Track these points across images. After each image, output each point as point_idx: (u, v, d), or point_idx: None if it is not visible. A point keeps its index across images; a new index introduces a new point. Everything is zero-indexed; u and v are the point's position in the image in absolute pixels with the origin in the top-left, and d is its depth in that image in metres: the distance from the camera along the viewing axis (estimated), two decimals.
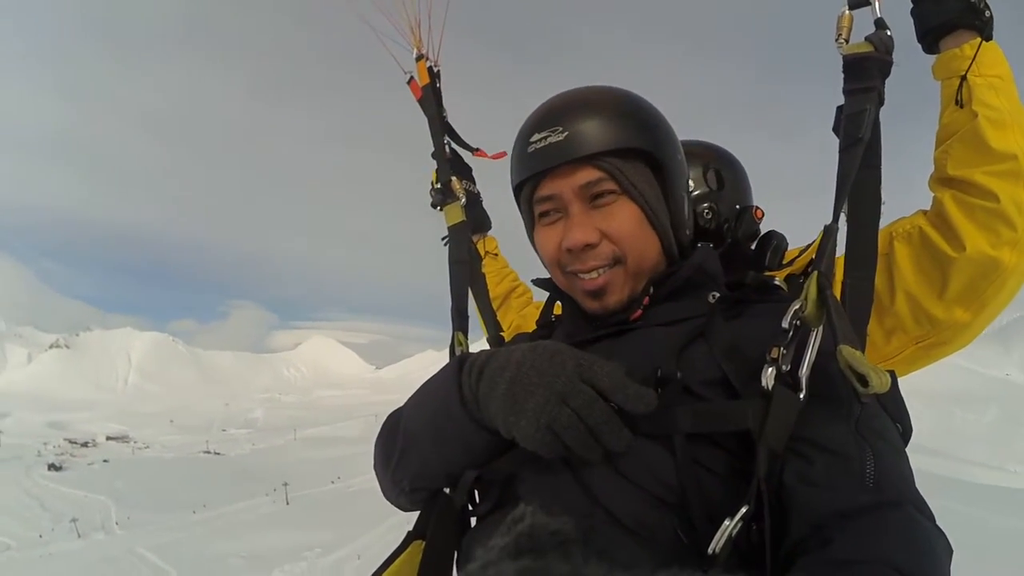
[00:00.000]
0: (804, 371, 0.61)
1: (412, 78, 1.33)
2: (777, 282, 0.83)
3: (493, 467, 0.70)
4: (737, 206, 1.09)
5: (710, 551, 0.57)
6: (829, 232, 0.73)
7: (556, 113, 0.78)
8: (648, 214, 0.78)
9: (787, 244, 0.99)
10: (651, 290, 0.78)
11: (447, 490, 0.76)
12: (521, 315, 1.31)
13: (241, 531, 51.08)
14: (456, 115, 1.32)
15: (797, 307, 0.64)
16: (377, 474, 0.82)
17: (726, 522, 0.57)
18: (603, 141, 0.75)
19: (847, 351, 0.59)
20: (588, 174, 0.76)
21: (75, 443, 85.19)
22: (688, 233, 0.83)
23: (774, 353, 0.62)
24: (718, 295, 0.77)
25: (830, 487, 0.58)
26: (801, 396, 0.60)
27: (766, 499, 0.58)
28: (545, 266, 0.87)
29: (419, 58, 1.32)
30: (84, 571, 40.37)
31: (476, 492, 0.74)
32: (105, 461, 73.34)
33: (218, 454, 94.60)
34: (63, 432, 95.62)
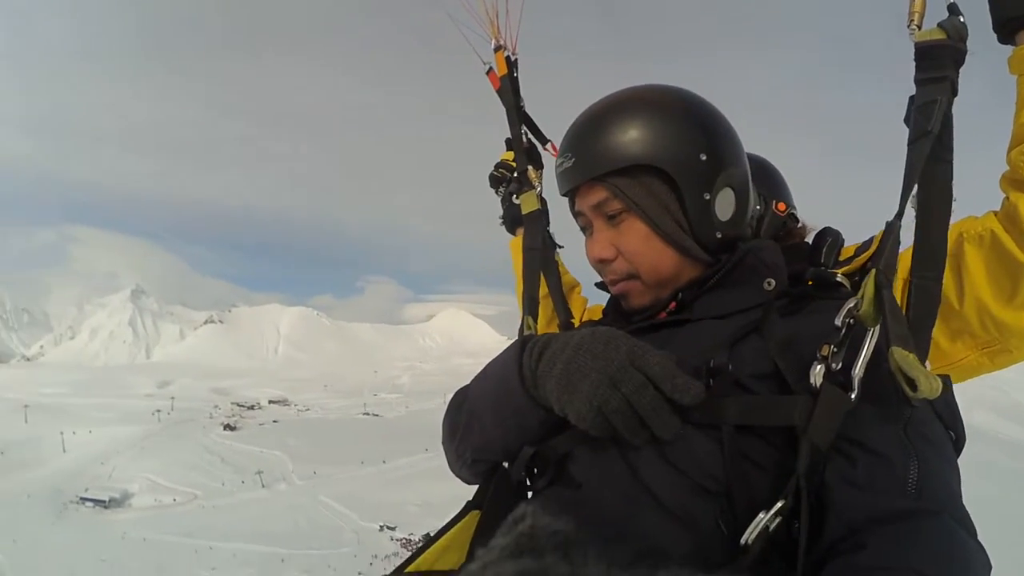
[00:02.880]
0: (857, 371, 0.75)
1: (491, 68, 1.68)
2: (839, 279, 0.99)
3: (549, 445, 0.93)
4: (757, 206, 1.30)
5: (742, 542, 0.73)
6: (891, 229, 0.87)
7: (568, 139, 1.07)
8: (655, 229, 1.00)
9: (843, 241, 1.16)
10: (679, 295, 1.03)
11: (505, 464, 1.01)
12: (588, 310, 1.67)
13: (410, 482, 63.97)
14: (533, 105, 1.66)
15: (851, 305, 0.79)
16: (444, 447, 1.10)
17: (761, 515, 0.73)
18: (605, 163, 1.00)
19: (898, 353, 0.73)
20: (597, 195, 1.02)
21: (242, 406, 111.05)
22: (718, 235, 1.02)
23: (824, 351, 0.78)
24: (774, 282, 0.96)
25: (871, 489, 0.72)
26: (852, 396, 0.75)
27: (804, 496, 0.72)
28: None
29: (497, 48, 1.67)
30: (275, 515, 55.72)
31: (533, 468, 0.98)
32: (275, 422, 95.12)
33: (376, 415, 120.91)
34: (227, 397, 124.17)
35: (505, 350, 0.98)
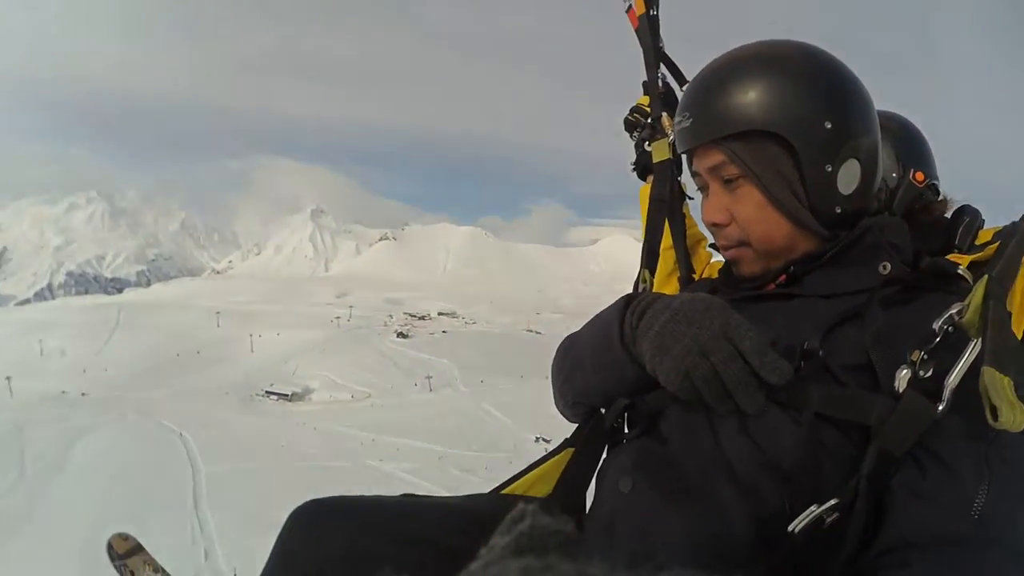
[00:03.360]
0: (950, 382, 0.75)
1: (631, 6, 1.66)
2: (960, 270, 0.94)
3: (644, 399, 1.01)
4: (894, 174, 1.31)
5: (789, 529, 0.78)
6: (1015, 230, 0.84)
7: (688, 97, 1.08)
8: (770, 197, 1.01)
9: (982, 222, 1.15)
10: (791, 269, 1.03)
11: (603, 410, 1.12)
12: (710, 265, 1.65)
13: None
14: (675, 44, 1.63)
15: (955, 311, 0.78)
16: (552, 385, 1.21)
17: (813, 507, 0.77)
18: (724, 126, 1.00)
19: (988, 374, 0.71)
20: (714, 157, 1.04)
21: (414, 316, 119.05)
22: (839, 209, 1.02)
23: (915, 355, 0.78)
24: (889, 266, 0.96)
25: (932, 505, 0.74)
26: (939, 408, 0.75)
27: (862, 497, 0.75)
28: None
29: None
30: (440, 417, 59.08)
31: (627, 419, 1.08)
32: (444, 332, 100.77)
33: (539, 333, 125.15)
34: (400, 307, 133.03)
35: (611, 304, 1.03)
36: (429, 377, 71.07)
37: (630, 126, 1.75)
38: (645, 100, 1.70)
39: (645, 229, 1.53)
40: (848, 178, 1.01)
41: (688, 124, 1.05)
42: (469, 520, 1.21)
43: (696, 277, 1.50)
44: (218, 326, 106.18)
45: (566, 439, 1.25)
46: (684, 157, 1.15)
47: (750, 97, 0.99)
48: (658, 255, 1.52)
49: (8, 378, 68.68)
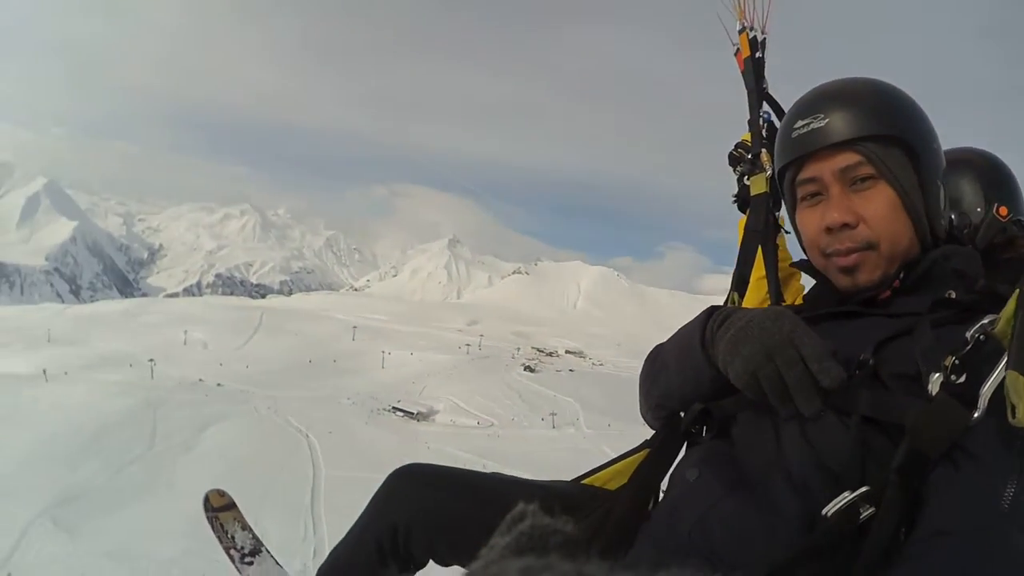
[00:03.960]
0: (985, 390, 0.82)
1: (738, 49, 1.79)
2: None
3: (718, 404, 1.13)
4: (978, 208, 1.38)
5: (823, 512, 0.87)
6: None
7: (818, 101, 1.14)
8: (904, 200, 1.09)
9: None
10: (901, 274, 1.10)
11: (681, 415, 1.21)
12: (800, 297, 1.71)
13: None
14: (779, 85, 1.74)
15: (986, 321, 0.87)
16: (639, 390, 1.32)
17: (847, 493, 0.86)
18: (862, 127, 1.08)
19: (1011, 377, 0.78)
20: (847, 158, 1.09)
21: (542, 351, 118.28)
22: (943, 223, 1.12)
23: (947, 361, 0.86)
24: (954, 294, 1.03)
25: (963, 495, 0.80)
26: (975, 415, 0.82)
27: (892, 488, 0.83)
28: (803, 248, 1.26)
29: (741, 30, 1.77)
30: (560, 454, 57.19)
31: (702, 423, 1.18)
32: (571, 371, 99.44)
33: None
34: (528, 341, 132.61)
35: (697, 316, 1.15)
36: (554, 414, 69.77)
37: (733, 161, 1.83)
38: (748, 136, 1.80)
39: (738, 257, 1.65)
40: (944, 200, 1.13)
41: (821, 124, 1.10)
42: (553, 499, 1.28)
43: (785, 305, 1.55)
44: (353, 339, 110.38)
45: (645, 440, 1.37)
46: (788, 169, 1.20)
47: (885, 105, 1.10)
48: (748, 281, 1.63)
49: (151, 361, 73.88)
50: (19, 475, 38.92)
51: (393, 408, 68.77)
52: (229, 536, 2.28)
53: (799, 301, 1.57)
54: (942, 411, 0.83)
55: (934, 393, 0.85)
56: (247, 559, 2.19)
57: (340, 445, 52.83)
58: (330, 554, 1.58)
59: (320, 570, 1.59)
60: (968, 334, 0.86)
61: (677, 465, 1.17)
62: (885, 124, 1.08)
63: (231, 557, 2.23)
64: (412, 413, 68.14)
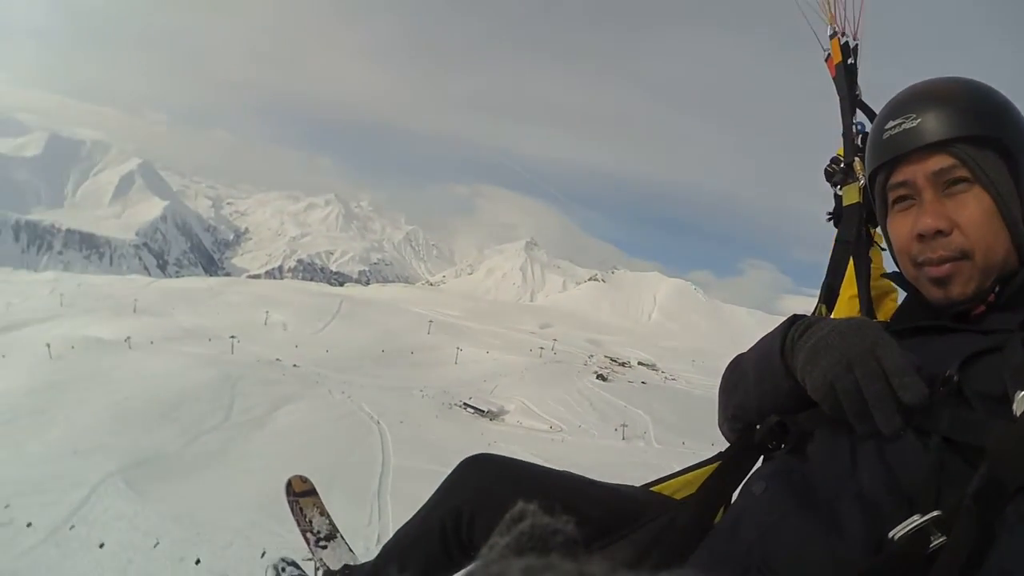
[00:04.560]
0: None
1: (828, 55, 1.75)
2: None
3: (795, 419, 1.05)
4: None
5: (890, 535, 0.79)
6: None
7: (910, 101, 1.07)
8: (1000, 205, 1.01)
9: None
10: (997, 288, 1.02)
11: (757, 427, 1.13)
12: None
13: None
14: (873, 93, 1.67)
15: None
16: (717, 400, 1.26)
17: (915, 516, 0.78)
18: (956, 128, 1.00)
19: None
20: (941, 160, 1.02)
21: (615, 361, 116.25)
22: None
23: None
24: None
25: None
26: None
27: (965, 515, 0.74)
28: (894, 258, 1.18)
29: (832, 35, 1.73)
30: (630, 467, 56.07)
31: (778, 438, 1.09)
32: (643, 383, 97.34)
33: None
34: (601, 349, 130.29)
35: (779, 324, 1.10)
36: (624, 426, 68.71)
37: (829, 176, 1.76)
38: (842, 151, 1.74)
39: (828, 268, 1.60)
40: None
41: (913, 125, 1.05)
42: (619, 502, 1.35)
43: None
44: (428, 333, 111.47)
45: (719, 452, 1.34)
46: (880, 171, 1.15)
47: (981, 105, 1.03)
48: (837, 293, 1.58)
49: (233, 337, 76.80)
50: (97, 434, 40.81)
51: (464, 404, 69.35)
52: (307, 520, 2.41)
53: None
54: None
55: (1019, 413, 0.78)
56: (322, 543, 2.29)
57: (410, 436, 53.32)
58: (396, 532, 1.60)
59: (385, 546, 1.65)
60: None
61: (751, 477, 1.13)
62: (980, 124, 1.02)
63: (307, 540, 2.33)
64: (483, 411, 68.52)
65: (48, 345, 59.37)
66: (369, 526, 34.95)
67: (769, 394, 1.08)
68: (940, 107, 1.03)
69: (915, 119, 1.04)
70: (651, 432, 75.18)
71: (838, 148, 1.73)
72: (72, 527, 29.09)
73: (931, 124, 1.03)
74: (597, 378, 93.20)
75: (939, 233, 1.03)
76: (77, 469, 34.84)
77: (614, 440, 68.96)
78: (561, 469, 1.49)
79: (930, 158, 1.04)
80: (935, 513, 0.77)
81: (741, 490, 1.13)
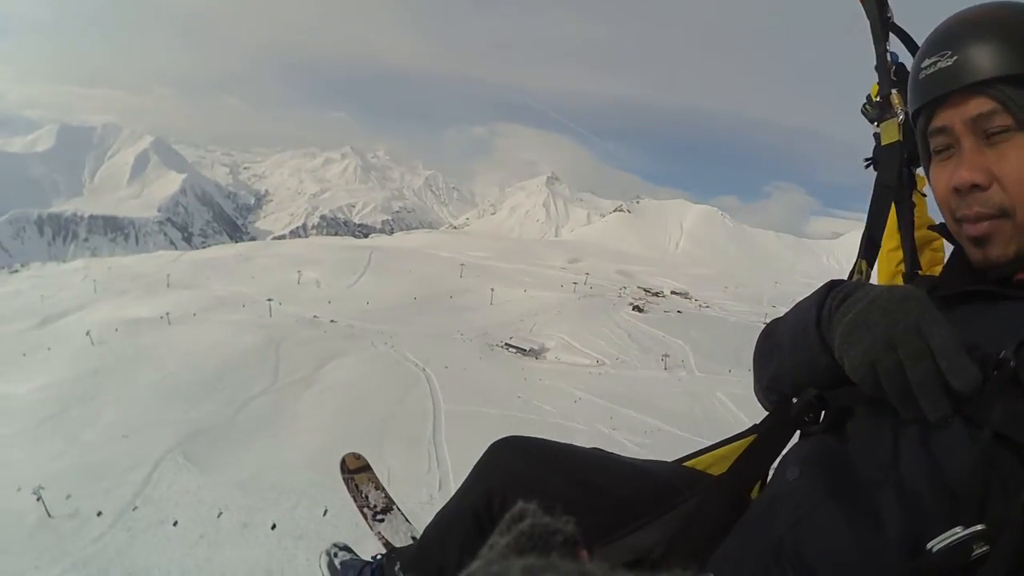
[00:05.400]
0: None
1: None
2: None
3: (834, 394, 0.95)
4: None
5: (928, 546, 0.72)
6: None
7: (948, 35, 0.93)
8: None
9: None
10: None
11: (794, 400, 1.03)
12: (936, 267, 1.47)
13: None
14: (909, 14, 1.46)
15: None
16: (753, 368, 1.19)
17: (958, 528, 0.70)
18: (996, 66, 0.87)
19: None
20: (980, 104, 0.90)
21: (648, 291, 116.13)
22: None
23: None
24: None
25: None
26: None
27: (1012, 529, 0.67)
28: (940, 209, 1.05)
29: None
30: (672, 397, 57.20)
31: (815, 411, 1.00)
32: (678, 312, 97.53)
33: None
34: (632, 280, 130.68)
35: (816, 290, 0.98)
36: (666, 356, 69.17)
37: (866, 114, 1.60)
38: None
39: (867, 216, 1.44)
40: None
41: (948, 64, 0.92)
42: (648, 481, 1.33)
43: (922, 274, 1.37)
44: (461, 277, 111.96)
45: (753, 424, 1.26)
46: (922, 113, 1.02)
47: None
48: (878, 246, 1.43)
49: (270, 300, 77.56)
50: (148, 413, 41.97)
51: (506, 344, 70.07)
52: (363, 495, 2.46)
53: (938, 271, 1.34)
54: None
55: None
56: (379, 516, 2.33)
57: (456, 380, 54.51)
58: (435, 516, 1.61)
59: (426, 529, 1.66)
60: None
61: (786, 457, 1.07)
62: None
63: (364, 515, 2.38)
64: (524, 350, 69.18)
65: (88, 332, 60.75)
66: (429, 472, 35.98)
67: (805, 367, 0.97)
68: (980, 41, 0.90)
69: (951, 57, 0.92)
70: (691, 361, 75.53)
71: (873, 85, 1.56)
72: (135, 508, 30.17)
73: (969, 62, 0.90)
74: (633, 310, 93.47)
75: (976, 187, 0.92)
76: (134, 450, 36.00)
77: (656, 371, 69.74)
78: (590, 447, 1.49)
79: (969, 101, 0.92)
80: (978, 527, 0.71)
81: (775, 472, 1.08)
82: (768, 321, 1.28)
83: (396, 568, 1.78)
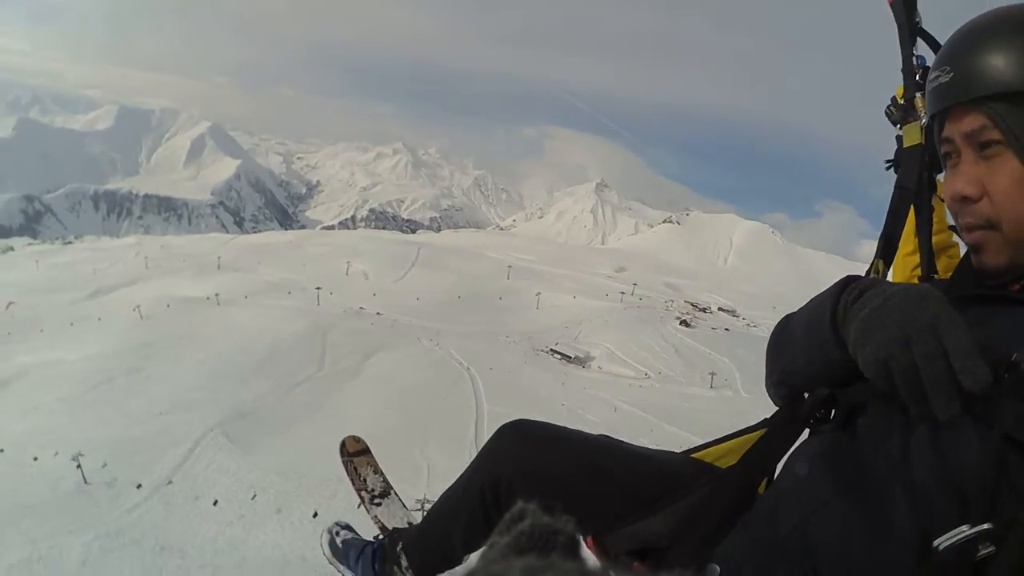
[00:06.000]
0: None
1: None
2: None
3: (846, 391, 0.96)
4: None
5: (934, 544, 0.73)
6: None
7: (950, 50, 0.99)
8: None
9: None
10: None
11: (806, 396, 1.04)
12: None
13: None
14: (935, 19, 1.47)
15: None
16: (765, 362, 1.18)
17: (965, 527, 0.72)
18: (987, 85, 0.91)
19: None
20: (973, 120, 0.94)
21: (696, 306, 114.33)
22: None
23: None
24: None
25: None
26: None
27: (1018, 529, 0.68)
28: (950, 213, 1.11)
29: None
30: (719, 416, 55.65)
31: (827, 409, 1.00)
32: (726, 329, 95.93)
33: None
34: (679, 294, 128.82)
35: (831, 285, 0.99)
36: (713, 374, 67.84)
37: (889, 116, 1.64)
38: (902, 89, 1.63)
39: (886, 218, 1.45)
40: None
41: (947, 80, 0.98)
42: (656, 470, 1.34)
43: (938, 277, 1.38)
44: (508, 278, 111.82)
45: (765, 419, 1.28)
46: (935, 123, 1.07)
47: (1022, 56, 0.90)
48: (896, 246, 1.44)
49: (319, 288, 78.30)
50: (194, 390, 42.39)
51: (551, 350, 69.61)
52: (361, 479, 2.49)
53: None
54: None
55: None
56: (376, 500, 2.37)
57: (500, 381, 54.11)
58: (439, 498, 1.62)
59: (429, 511, 1.67)
60: None
61: (792, 452, 1.08)
62: (1016, 79, 0.89)
63: (362, 498, 2.41)
64: (570, 357, 68.58)
65: (139, 307, 61.90)
66: None
67: (818, 363, 0.98)
68: (975, 59, 0.93)
69: (949, 72, 0.97)
70: (737, 381, 74.11)
71: (898, 87, 1.60)
72: (170, 482, 30.28)
73: (963, 79, 0.94)
74: (680, 324, 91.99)
75: (967, 199, 0.97)
76: (176, 425, 36.33)
77: (701, 388, 68.14)
78: (598, 434, 1.48)
79: (964, 117, 0.96)
80: (985, 526, 0.72)
81: (783, 468, 1.08)
82: None
83: (398, 548, 1.77)
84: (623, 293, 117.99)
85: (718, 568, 0.92)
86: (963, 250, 1.20)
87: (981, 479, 0.75)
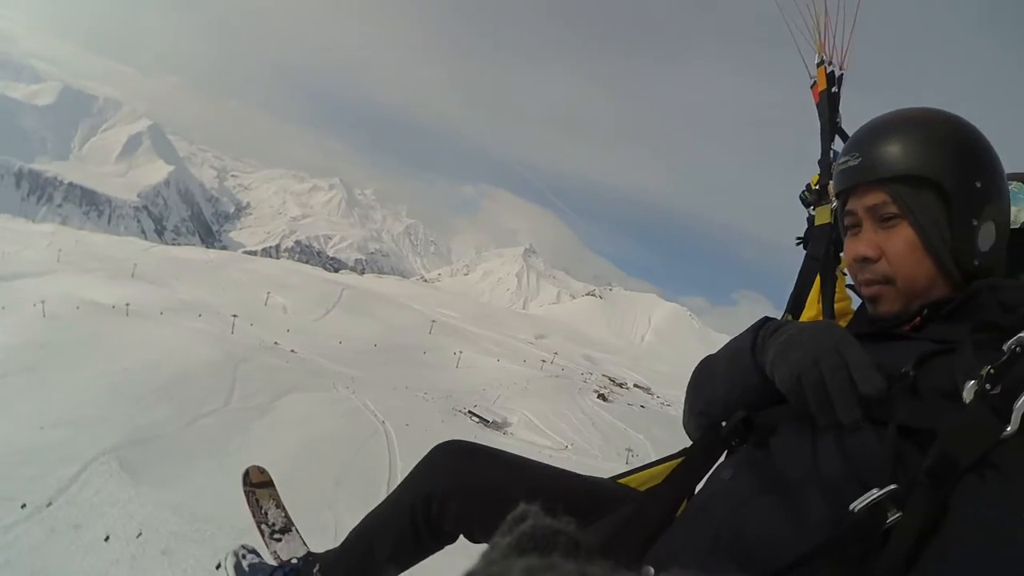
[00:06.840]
0: (1020, 404, 0.80)
1: (815, 82, 1.82)
2: None
3: (761, 415, 1.11)
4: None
5: (850, 507, 0.85)
6: None
7: (859, 139, 1.20)
8: (924, 240, 1.12)
9: None
10: (924, 311, 1.13)
11: (723, 424, 1.17)
12: None
13: None
14: (854, 119, 1.36)
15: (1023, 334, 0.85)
16: (684, 400, 1.33)
17: (874, 490, 0.85)
18: (891, 168, 1.13)
19: None
20: (875, 197, 1.16)
21: (613, 381, 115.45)
22: (976, 262, 1.13)
23: (983, 371, 0.84)
24: (995, 323, 0.98)
25: (987, 507, 0.78)
26: (1008, 429, 0.80)
27: (919, 489, 0.82)
28: (849, 272, 1.31)
29: (820, 63, 1.81)
30: None
31: (744, 433, 1.13)
32: (642, 407, 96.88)
33: None
34: (596, 367, 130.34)
35: (750, 326, 1.20)
36: (629, 450, 68.16)
37: (803, 200, 1.84)
38: (816, 178, 1.82)
39: (796, 281, 1.66)
40: (986, 236, 1.13)
41: (856, 163, 1.18)
42: (587, 490, 1.43)
43: None
44: (430, 333, 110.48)
45: (684, 448, 1.39)
46: (839, 199, 1.28)
47: (917, 148, 1.12)
48: (803, 305, 1.63)
49: (234, 316, 75.26)
50: (92, 405, 38.85)
51: (469, 412, 68.49)
52: (263, 512, 2.37)
53: None
54: (975, 418, 0.83)
55: (968, 400, 0.85)
56: (276, 535, 2.26)
57: (416, 440, 51.83)
58: (365, 517, 1.63)
59: (352, 531, 1.66)
60: (1005, 346, 0.85)
61: (717, 468, 1.19)
62: (916, 165, 1.11)
63: (261, 532, 2.29)
64: (487, 421, 67.73)
65: (43, 302, 57.26)
66: None
67: (738, 389, 1.16)
68: (881, 147, 1.14)
69: (857, 157, 1.18)
70: (652, 458, 74.18)
71: (813, 175, 1.79)
72: (49, 504, 26.91)
73: (870, 164, 1.15)
74: (598, 397, 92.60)
75: (867, 260, 1.17)
76: (68, 441, 32.71)
77: (618, 463, 67.71)
78: (532, 458, 1.53)
79: (868, 194, 1.17)
80: (892, 487, 0.83)
81: (709, 478, 1.18)
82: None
83: (315, 570, 1.75)
84: (544, 361, 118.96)
85: (652, 570, 0.99)
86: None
87: (882, 468, 0.89)
